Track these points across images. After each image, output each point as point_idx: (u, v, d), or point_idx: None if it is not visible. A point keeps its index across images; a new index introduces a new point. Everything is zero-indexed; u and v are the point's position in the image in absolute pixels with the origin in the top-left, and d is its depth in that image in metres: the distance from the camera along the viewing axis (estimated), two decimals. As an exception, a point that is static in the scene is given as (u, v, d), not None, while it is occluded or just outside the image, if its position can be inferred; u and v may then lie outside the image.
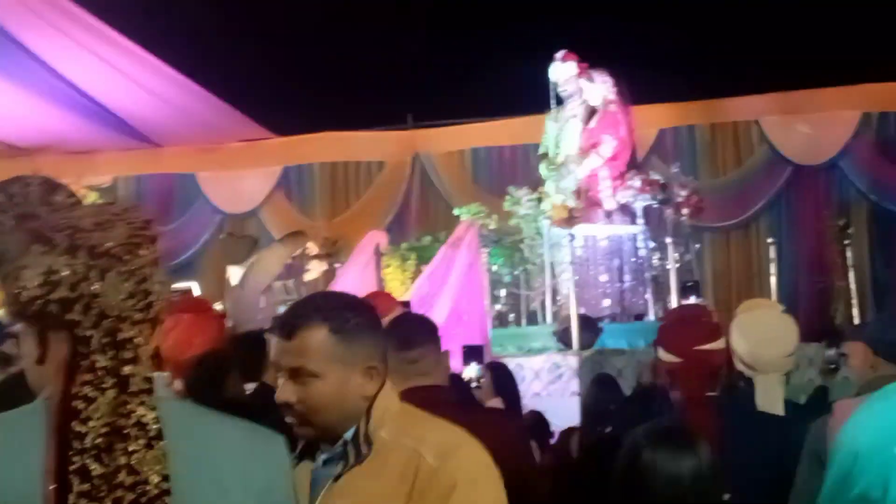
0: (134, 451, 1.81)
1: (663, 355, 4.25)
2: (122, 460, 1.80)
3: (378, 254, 10.67)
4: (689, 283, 9.24)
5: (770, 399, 4.30)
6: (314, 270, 11.03)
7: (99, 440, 1.80)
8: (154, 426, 1.84)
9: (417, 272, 10.35)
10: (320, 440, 2.44)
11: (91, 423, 1.80)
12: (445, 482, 2.26)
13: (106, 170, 12.99)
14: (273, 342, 2.47)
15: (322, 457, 2.41)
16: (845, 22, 10.27)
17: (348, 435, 2.36)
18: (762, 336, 4.30)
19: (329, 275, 11.51)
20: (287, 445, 2.22)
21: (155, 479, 1.81)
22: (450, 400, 3.92)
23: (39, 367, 1.92)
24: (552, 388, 8.37)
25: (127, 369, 1.83)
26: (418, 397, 3.79)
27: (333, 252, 11.29)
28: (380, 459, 2.33)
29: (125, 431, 1.81)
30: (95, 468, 1.79)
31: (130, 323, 1.86)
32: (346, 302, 2.55)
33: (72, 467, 1.78)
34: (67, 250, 1.84)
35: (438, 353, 3.84)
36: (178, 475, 1.85)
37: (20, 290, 1.85)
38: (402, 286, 10.13)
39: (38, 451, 1.83)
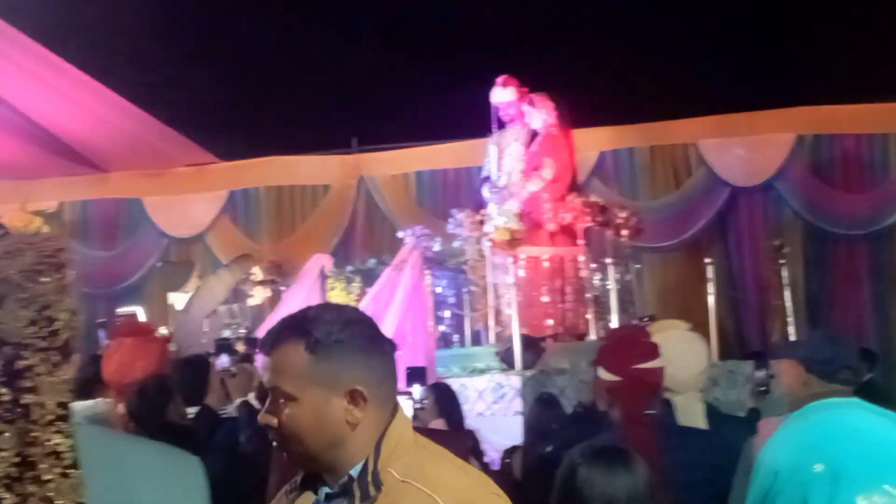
0: (48, 481, 1.81)
1: (603, 374, 4.29)
2: (33, 489, 1.80)
3: (323, 276, 10.66)
4: (647, 317, 9.28)
5: (691, 417, 4.34)
6: (258, 296, 11.01)
7: (10, 469, 1.80)
8: (69, 454, 1.84)
9: (362, 294, 10.31)
10: (314, 469, 2.26)
11: (2, 454, 1.81)
12: None
13: (52, 195, 12.88)
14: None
15: (324, 490, 2.23)
16: (779, 46, 10.41)
17: (354, 471, 2.16)
18: (673, 357, 4.34)
19: (275, 297, 11.50)
20: (201, 467, 2.10)
21: None
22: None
23: None
24: (495, 408, 8.38)
25: (28, 398, 1.85)
26: None
27: (278, 277, 11.26)
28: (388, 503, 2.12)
29: (34, 461, 1.82)
30: (8, 498, 1.79)
31: (32, 350, 1.87)
32: (336, 317, 2.30)
33: None
34: None
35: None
36: (94, 502, 1.86)
37: None
38: (348, 308, 10.12)
39: None
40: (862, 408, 1.39)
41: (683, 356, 4.37)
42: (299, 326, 2.17)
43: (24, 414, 1.80)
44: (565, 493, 2.90)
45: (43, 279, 1.87)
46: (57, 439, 1.83)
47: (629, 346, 4.32)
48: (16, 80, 10.40)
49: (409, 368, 7.31)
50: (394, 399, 2.28)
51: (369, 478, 2.11)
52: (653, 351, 4.23)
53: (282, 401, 2.12)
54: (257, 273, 10.93)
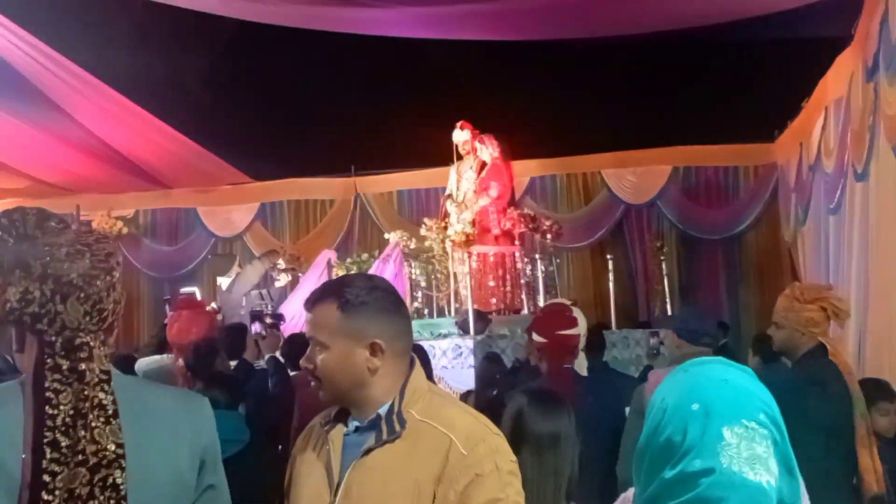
0: (95, 427, 1.81)
1: (535, 338, 4.32)
2: (83, 434, 1.80)
3: (330, 266, 10.61)
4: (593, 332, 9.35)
5: (581, 369, 4.43)
6: (282, 280, 10.97)
7: (67, 419, 1.80)
8: (111, 406, 1.85)
9: (358, 279, 10.32)
10: (344, 405, 2.15)
11: (61, 407, 1.80)
12: (474, 470, 1.96)
13: (129, 205, 12.86)
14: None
15: (354, 423, 2.12)
16: (661, 100, 10.44)
17: (382, 410, 2.06)
18: None
19: (294, 281, 11.43)
20: (207, 402, 2.10)
21: (112, 447, 1.81)
22: None
23: (19, 354, 1.92)
24: (454, 363, 8.35)
25: (83, 366, 1.83)
26: None
27: (297, 265, 11.21)
28: (412, 439, 2.02)
29: (85, 412, 1.82)
30: (64, 440, 1.79)
31: (87, 332, 1.85)
32: (363, 284, 2.21)
33: (45, 440, 1.77)
34: (40, 277, 1.83)
35: None
36: (129, 438, 1.83)
37: (4, 301, 1.85)
38: (347, 290, 10.08)
39: (17, 423, 1.80)
40: (725, 364, 1.38)
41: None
42: (335, 289, 2.12)
43: (79, 377, 1.82)
44: (514, 428, 2.81)
45: (97, 282, 1.87)
46: (101, 395, 1.84)
47: (555, 317, 4.35)
48: (101, 119, 10.31)
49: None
50: (410, 353, 2.18)
51: (395, 416, 2.03)
52: (573, 322, 4.26)
53: (317, 349, 2.06)
54: (281, 263, 10.89)
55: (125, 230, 12.63)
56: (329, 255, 10.98)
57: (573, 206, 11.99)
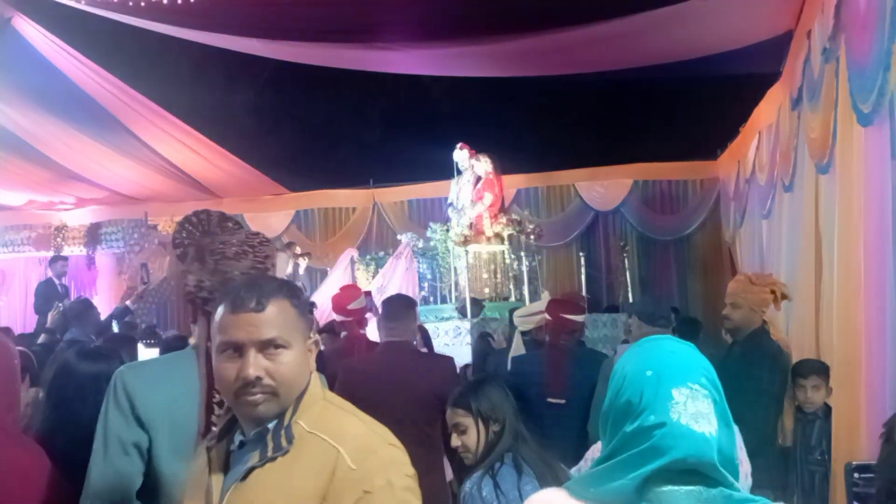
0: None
1: (546, 317, 4.36)
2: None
3: (352, 262, 10.62)
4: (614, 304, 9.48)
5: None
6: (302, 264, 11.00)
7: None
8: None
9: (376, 273, 10.30)
10: (259, 422, 1.54)
11: None
12: (362, 486, 1.46)
13: (187, 211, 12.69)
14: (228, 318, 1.53)
15: (239, 438, 1.57)
16: (624, 125, 10.48)
17: (272, 425, 1.53)
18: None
19: (322, 274, 11.47)
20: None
21: None
22: (413, 350, 3.96)
23: (194, 325, 1.98)
24: (454, 341, 8.35)
25: None
26: (394, 348, 3.83)
27: (312, 256, 11.39)
28: (295, 453, 1.50)
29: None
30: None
31: None
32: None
33: (214, 399, 1.82)
34: (211, 271, 1.91)
35: (410, 320, 3.85)
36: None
37: (185, 284, 1.92)
38: (367, 281, 10.07)
39: (194, 384, 1.87)
40: (673, 340, 1.40)
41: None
42: (281, 287, 1.60)
43: None
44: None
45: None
46: None
47: (567, 305, 4.38)
48: (166, 142, 10.35)
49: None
50: None
51: (283, 430, 1.51)
52: (580, 310, 4.33)
53: (277, 350, 1.52)
54: (298, 249, 10.97)
55: (185, 233, 12.67)
56: (351, 252, 10.98)
57: (552, 213, 12.01)
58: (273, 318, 1.52)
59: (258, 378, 1.49)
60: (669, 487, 1.23)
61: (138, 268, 11.23)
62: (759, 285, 3.84)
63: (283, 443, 1.50)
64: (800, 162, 5.82)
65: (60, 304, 7.91)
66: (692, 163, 11.56)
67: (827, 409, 3.76)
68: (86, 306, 6.99)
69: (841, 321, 4.02)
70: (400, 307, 3.91)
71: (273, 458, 1.49)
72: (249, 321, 1.51)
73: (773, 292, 3.84)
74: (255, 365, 1.49)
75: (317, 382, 1.61)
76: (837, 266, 4.14)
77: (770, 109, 7.54)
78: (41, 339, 6.61)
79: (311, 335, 1.62)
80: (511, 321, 5.82)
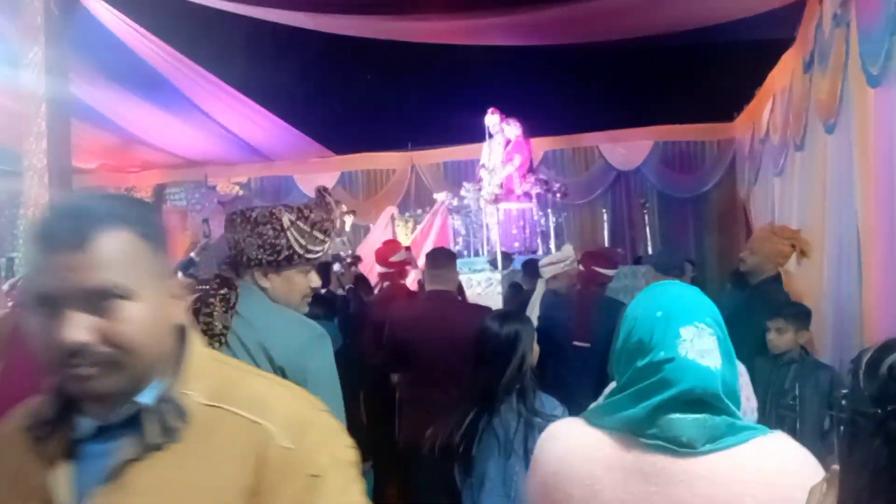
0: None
1: (580, 268, 4.36)
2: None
3: (393, 219, 10.68)
4: (639, 256, 9.36)
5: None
6: (348, 222, 10.99)
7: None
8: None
9: (414, 229, 10.35)
10: (101, 400, 0.98)
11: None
12: (307, 469, 0.98)
13: (243, 173, 12.91)
14: (39, 261, 0.94)
15: (91, 424, 1.00)
16: (645, 88, 10.28)
17: (146, 397, 0.99)
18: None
19: (365, 230, 11.54)
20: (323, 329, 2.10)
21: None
22: (455, 299, 4.00)
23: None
24: (486, 291, 8.42)
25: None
26: (438, 296, 3.87)
27: (357, 214, 11.35)
28: (200, 436, 0.98)
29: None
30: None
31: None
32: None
33: None
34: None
35: (452, 271, 3.86)
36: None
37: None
38: (406, 237, 10.14)
39: None
40: (679, 284, 1.42)
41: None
42: (118, 213, 0.98)
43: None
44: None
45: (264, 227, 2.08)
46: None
47: (600, 258, 4.38)
48: (223, 109, 10.39)
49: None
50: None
51: (169, 406, 0.98)
52: (614, 264, 4.33)
53: (113, 304, 0.94)
54: (344, 207, 10.83)
55: (241, 192, 12.78)
56: (392, 210, 11.04)
57: (577, 173, 11.86)
58: (104, 257, 0.94)
59: (85, 345, 0.93)
60: (677, 415, 1.26)
61: (200, 223, 11.40)
62: (779, 236, 3.78)
63: (173, 421, 0.97)
64: (811, 123, 5.70)
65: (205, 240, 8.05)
66: (709, 124, 11.31)
67: (804, 353, 3.52)
68: None
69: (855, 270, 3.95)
70: (442, 258, 3.93)
71: (159, 447, 0.96)
72: (67, 264, 0.92)
73: (793, 246, 3.76)
74: (77, 326, 0.92)
75: (197, 340, 1.07)
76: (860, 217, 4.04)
77: (784, 73, 7.36)
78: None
79: (173, 276, 1.09)
80: (526, 272, 5.80)
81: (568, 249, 4.81)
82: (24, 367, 2.17)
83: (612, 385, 2.62)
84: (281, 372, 1.87)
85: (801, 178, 6.23)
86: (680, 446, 1.25)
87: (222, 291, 1.97)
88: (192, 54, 8.95)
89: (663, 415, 1.27)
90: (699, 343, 1.29)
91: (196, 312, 1.87)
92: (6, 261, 11.57)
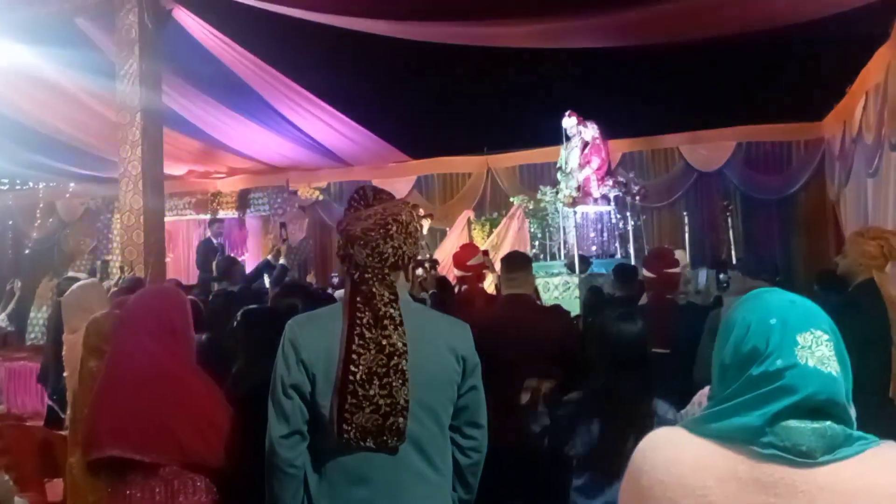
0: (386, 330, 1.94)
1: (646, 273, 4.27)
2: (381, 332, 1.93)
3: (469, 222, 10.72)
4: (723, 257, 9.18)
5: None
6: (425, 226, 10.93)
7: (369, 321, 1.99)
8: (399, 318, 1.98)
9: (490, 232, 10.36)
10: None
11: (366, 314, 2.00)
12: None
13: (324, 178, 13.14)
14: None
15: None
16: (727, 88, 10.00)
17: None
18: None
19: (441, 234, 11.59)
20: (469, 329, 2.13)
21: (399, 343, 1.94)
22: (533, 302, 3.99)
23: (340, 287, 2.14)
24: (564, 294, 8.39)
25: (372, 292, 2.01)
26: (516, 300, 3.88)
27: (433, 217, 11.34)
28: None
29: (383, 321, 1.97)
30: (367, 333, 1.92)
31: (371, 269, 2.03)
32: None
33: (354, 332, 1.97)
34: (342, 233, 2.12)
35: (529, 275, 3.86)
36: (412, 341, 1.99)
37: (338, 250, 2.12)
38: (482, 240, 10.16)
39: (339, 324, 2.01)
40: (787, 292, 1.38)
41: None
42: None
43: (370, 300, 2.00)
44: (603, 332, 2.88)
45: (372, 233, 2.07)
46: (391, 310, 2.02)
47: (663, 258, 4.29)
48: (304, 117, 10.65)
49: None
50: None
51: None
52: (675, 263, 4.21)
53: None
54: (421, 211, 10.83)
55: (321, 197, 13.03)
56: (468, 213, 11.07)
57: (657, 175, 11.63)
58: None
59: None
60: (795, 422, 1.22)
61: (278, 227, 11.66)
62: (866, 238, 3.62)
63: None
64: (909, 121, 5.44)
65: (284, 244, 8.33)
66: (797, 124, 10.91)
67: None
68: (230, 263, 7.42)
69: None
70: (519, 262, 3.93)
71: None
72: None
73: (881, 246, 3.59)
74: None
75: None
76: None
77: (878, 70, 7.04)
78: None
79: None
80: (619, 278, 5.68)
81: (681, 254, 4.71)
82: (123, 362, 2.30)
83: (703, 392, 2.57)
84: None
85: (896, 177, 5.96)
86: (799, 456, 1.21)
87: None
88: (274, 63, 9.23)
89: (781, 422, 1.23)
90: (818, 350, 1.25)
91: None
92: (101, 263, 12.17)
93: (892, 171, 6.18)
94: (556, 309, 4.31)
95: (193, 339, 2.51)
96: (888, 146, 6.20)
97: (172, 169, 12.17)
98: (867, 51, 7.41)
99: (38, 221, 13.48)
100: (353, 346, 1.93)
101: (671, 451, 1.34)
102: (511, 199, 10.55)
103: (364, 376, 1.91)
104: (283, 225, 11.00)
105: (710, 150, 11.32)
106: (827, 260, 10.35)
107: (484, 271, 5.67)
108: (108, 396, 2.31)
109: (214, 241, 10.44)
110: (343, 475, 1.94)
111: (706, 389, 2.51)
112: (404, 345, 1.95)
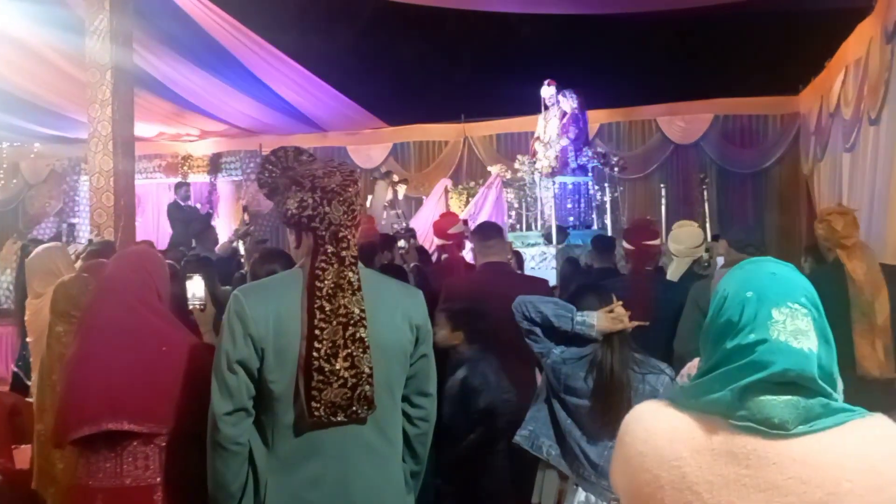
0: (346, 296, 1.90)
1: (626, 245, 4.28)
2: (345, 301, 1.89)
3: (446, 191, 10.67)
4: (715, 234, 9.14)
5: (674, 272, 4.32)
6: (400, 192, 10.85)
7: (329, 290, 1.89)
8: (357, 283, 1.93)
9: (468, 202, 10.33)
10: None
11: (325, 282, 1.90)
12: None
13: (297, 143, 12.67)
14: None
15: None
16: (703, 60, 10.02)
17: None
18: (679, 238, 4.31)
19: (417, 202, 11.54)
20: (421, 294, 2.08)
21: (357, 310, 1.91)
22: (510, 269, 4.00)
23: (297, 250, 2.03)
24: (540, 265, 8.39)
25: (343, 253, 1.93)
26: (493, 268, 3.89)
27: (409, 182, 11.24)
28: None
29: (342, 285, 1.91)
30: (327, 305, 1.89)
31: (344, 227, 1.94)
32: None
33: (315, 305, 1.88)
34: (310, 189, 1.93)
35: (502, 241, 3.89)
36: (369, 308, 1.93)
37: (287, 209, 1.93)
38: (460, 209, 10.12)
39: (298, 295, 1.92)
40: (774, 261, 1.37)
41: (684, 238, 4.41)
42: None
43: (339, 260, 1.93)
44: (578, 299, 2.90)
45: (350, 189, 1.96)
46: (351, 274, 1.94)
47: (643, 230, 4.30)
48: (279, 80, 10.46)
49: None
50: None
51: None
52: (656, 234, 4.23)
53: None
54: (395, 177, 10.75)
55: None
56: (445, 182, 11.02)
57: (634, 146, 11.64)
58: None
59: None
60: (768, 397, 1.23)
61: (242, 210, 11.38)
62: (817, 221, 3.69)
63: None
64: (891, 95, 5.48)
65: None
66: (773, 98, 10.99)
67: None
68: (204, 226, 7.32)
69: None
70: (490, 230, 3.98)
71: None
72: None
73: (826, 229, 3.63)
74: None
75: None
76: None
77: (859, 44, 7.07)
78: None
79: None
80: (597, 248, 5.65)
81: (697, 231, 4.68)
82: (111, 330, 2.23)
83: (692, 364, 2.59)
84: None
85: (875, 153, 6.02)
86: (771, 428, 1.22)
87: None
88: (249, 23, 9.02)
89: (753, 397, 1.24)
90: (792, 324, 1.24)
91: None
92: (68, 226, 11.97)
93: (870, 146, 6.24)
94: (535, 278, 4.33)
95: (168, 291, 2.46)
96: (867, 121, 6.26)
97: (142, 131, 11.93)
98: (847, 25, 7.43)
99: (2, 182, 13.16)
100: (315, 321, 1.86)
101: (650, 423, 1.35)
102: (489, 169, 10.50)
103: (329, 351, 1.85)
104: (245, 209, 10.76)
105: (687, 122, 11.35)
106: (799, 235, 10.54)
107: (464, 240, 5.67)
108: (96, 367, 2.19)
109: (182, 204, 10.29)
110: (293, 450, 1.88)
111: (695, 362, 2.54)
112: (362, 311, 1.89)
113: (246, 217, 9.80)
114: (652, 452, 1.30)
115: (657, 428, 1.32)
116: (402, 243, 6.80)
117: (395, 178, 10.95)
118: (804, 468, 1.19)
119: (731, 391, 1.25)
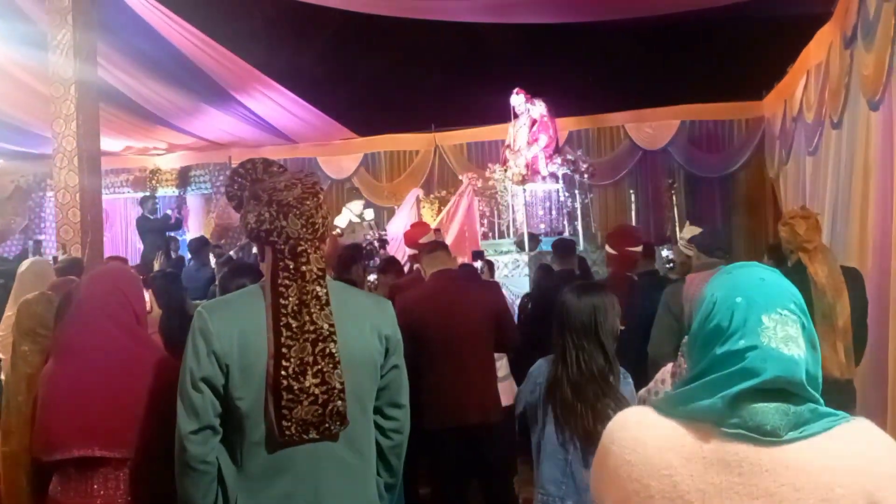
0: (313, 312, 1.85)
1: (608, 250, 4.29)
2: (307, 317, 1.84)
3: (418, 200, 10.64)
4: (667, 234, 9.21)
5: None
6: (367, 216, 10.55)
7: (294, 307, 1.84)
8: (325, 297, 1.88)
9: (440, 211, 10.31)
10: None
11: (290, 299, 1.85)
12: None
13: (268, 155, 12.60)
14: None
15: None
16: (672, 67, 10.15)
17: None
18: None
19: (389, 212, 11.49)
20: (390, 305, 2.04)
21: (326, 326, 1.86)
22: (458, 276, 4.05)
23: (263, 263, 1.97)
24: (514, 272, 8.40)
25: (303, 268, 1.88)
26: (442, 276, 3.91)
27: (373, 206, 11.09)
28: None
29: (308, 301, 1.85)
30: (293, 323, 1.83)
31: (304, 241, 1.89)
32: None
33: (281, 323, 1.83)
34: (267, 203, 1.89)
35: (445, 250, 3.95)
36: (337, 321, 1.88)
37: (247, 223, 1.89)
38: (432, 219, 10.10)
39: (262, 311, 1.87)
40: (761, 267, 1.36)
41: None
42: None
43: (300, 276, 1.88)
44: (561, 309, 2.77)
45: (308, 202, 1.90)
46: (318, 289, 1.89)
47: (626, 236, 4.32)
48: (248, 92, 10.37)
49: (474, 251, 7.33)
50: None
51: None
52: (638, 241, 4.24)
53: None
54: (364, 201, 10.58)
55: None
56: (417, 192, 11.00)
57: (603, 153, 11.70)
58: None
59: None
60: (760, 404, 1.21)
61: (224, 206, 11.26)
62: (780, 224, 3.71)
63: None
64: (851, 99, 5.56)
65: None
66: (738, 103, 11.12)
67: None
68: (201, 243, 7.41)
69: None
70: (433, 243, 4.08)
71: None
72: None
73: (788, 232, 3.65)
74: None
75: None
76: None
77: (820, 49, 7.18)
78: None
79: None
80: (557, 253, 5.63)
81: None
82: (87, 353, 2.15)
83: (666, 370, 2.57)
84: None
85: (836, 156, 6.11)
86: (763, 435, 1.20)
87: None
88: (215, 36, 8.92)
89: (745, 404, 1.22)
90: (782, 331, 1.23)
91: None
92: (34, 243, 11.71)
93: (832, 149, 6.33)
94: (487, 282, 4.39)
95: (145, 312, 2.40)
96: (829, 124, 6.35)
97: (109, 145, 11.73)
98: (809, 30, 7.55)
99: (-35, 200, 12.86)
100: (282, 340, 1.81)
101: (637, 431, 1.32)
102: (460, 178, 10.50)
103: (297, 368, 1.81)
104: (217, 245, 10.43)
105: (654, 128, 11.44)
106: (766, 237, 10.68)
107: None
108: (69, 392, 2.14)
109: (150, 217, 10.14)
110: (262, 468, 1.84)
111: (669, 367, 2.52)
112: (331, 326, 1.85)
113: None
114: (640, 462, 1.27)
115: (645, 436, 1.29)
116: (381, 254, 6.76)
117: (361, 204, 10.65)
118: (797, 475, 1.18)
119: (722, 398, 1.23)
